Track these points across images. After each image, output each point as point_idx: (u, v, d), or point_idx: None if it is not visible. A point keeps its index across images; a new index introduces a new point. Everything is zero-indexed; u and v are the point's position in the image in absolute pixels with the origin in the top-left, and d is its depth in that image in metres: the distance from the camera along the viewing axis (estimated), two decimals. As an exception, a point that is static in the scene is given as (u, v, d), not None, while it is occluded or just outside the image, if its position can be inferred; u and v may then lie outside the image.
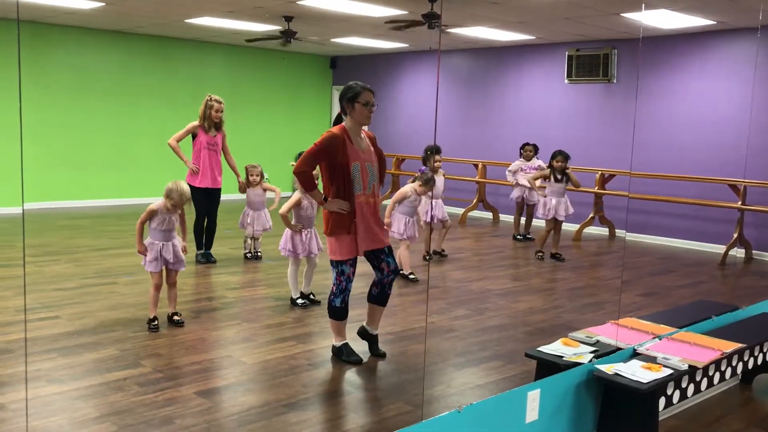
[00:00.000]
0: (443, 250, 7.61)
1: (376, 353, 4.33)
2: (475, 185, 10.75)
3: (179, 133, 6.76)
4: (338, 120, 4.17)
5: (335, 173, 4.00)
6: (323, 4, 7.73)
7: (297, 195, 5.33)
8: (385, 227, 6.07)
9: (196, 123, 6.73)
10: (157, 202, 4.68)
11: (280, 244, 5.45)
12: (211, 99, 6.72)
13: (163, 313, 4.92)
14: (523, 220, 9.03)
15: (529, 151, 8.95)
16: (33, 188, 10.21)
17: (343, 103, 4.07)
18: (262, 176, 7.06)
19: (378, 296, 4.26)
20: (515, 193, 8.94)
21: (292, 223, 5.35)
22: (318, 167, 4.12)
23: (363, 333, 4.40)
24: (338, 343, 4.26)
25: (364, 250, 4.07)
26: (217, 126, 6.78)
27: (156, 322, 4.70)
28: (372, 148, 4.16)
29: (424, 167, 7.23)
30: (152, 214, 4.64)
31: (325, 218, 4.11)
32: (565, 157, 7.61)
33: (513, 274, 7.08)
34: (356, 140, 4.05)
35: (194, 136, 6.75)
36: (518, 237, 8.94)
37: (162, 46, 11.48)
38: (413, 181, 6.53)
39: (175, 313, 4.84)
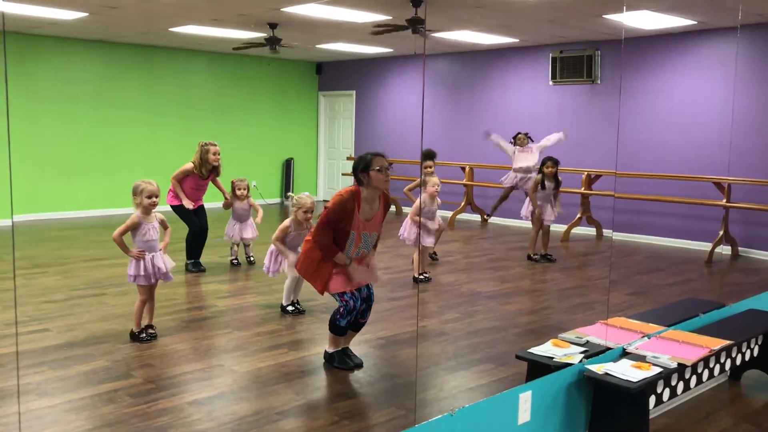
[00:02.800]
0: (435, 254, 7.63)
1: (354, 363, 4.25)
2: (463, 188, 10.79)
3: (177, 173, 6.71)
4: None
5: (330, 227, 4.02)
6: (307, 11, 7.75)
7: (286, 223, 5.37)
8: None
9: (190, 167, 6.68)
10: (136, 213, 4.63)
11: (274, 264, 5.50)
12: (205, 144, 6.65)
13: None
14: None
15: (521, 139, 9.04)
16: (20, 200, 10.14)
17: (358, 176, 4.02)
18: (248, 190, 7.08)
19: (353, 324, 4.25)
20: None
21: (282, 248, 5.40)
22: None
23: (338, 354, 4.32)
24: (331, 350, 4.28)
25: (351, 288, 4.10)
26: (215, 170, 6.77)
27: (144, 335, 4.68)
28: (381, 216, 4.15)
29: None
30: (135, 226, 4.59)
31: (311, 264, 4.12)
32: (555, 163, 7.67)
33: (502, 276, 7.11)
34: (366, 208, 4.03)
35: (186, 176, 6.72)
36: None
37: (147, 54, 11.45)
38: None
39: (150, 326, 4.77)
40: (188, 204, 6.68)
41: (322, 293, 4.18)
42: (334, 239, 4.01)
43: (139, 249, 4.61)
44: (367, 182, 4.00)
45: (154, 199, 4.63)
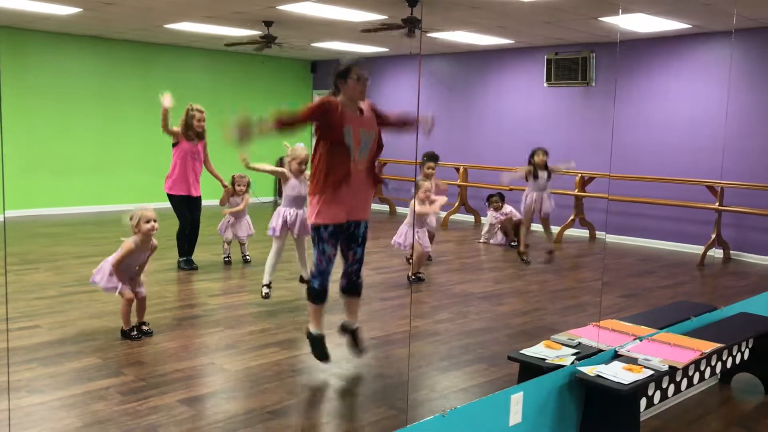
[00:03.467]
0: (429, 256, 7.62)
1: (353, 347, 4.19)
2: (457, 188, 10.80)
3: (173, 130, 6.63)
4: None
5: (326, 134, 3.86)
6: (303, 9, 7.74)
7: (282, 169, 5.37)
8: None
9: (177, 130, 6.68)
10: (132, 239, 4.59)
11: (270, 224, 5.51)
12: (192, 108, 6.66)
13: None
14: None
15: (495, 202, 9.07)
16: (12, 195, 10.09)
17: (335, 83, 3.91)
18: (248, 187, 7.07)
19: (347, 287, 4.17)
20: (499, 237, 8.96)
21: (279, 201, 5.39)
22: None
23: (343, 327, 4.26)
24: (314, 331, 4.12)
25: (334, 219, 3.89)
26: (200, 135, 6.75)
27: (135, 332, 4.66)
28: (371, 116, 3.99)
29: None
30: (130, 254, 4.56)
31: (311, 179, 3.98)
32: (545, 152, 7.62)
33: (495, 277, 7.12)
34: (349, 108, 3.89)
35: (175, 143, 6.71)
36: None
37: (142, 51, 11.42)
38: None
39: (143, 323, 4.76)
40: (168, 102, 6.52)
41: (312, 221, 3.96)
42: (332, 154, 3.83)
43: (123, 271, 4.61)
44: (343, 89, 3.88)
45: (153, 223, 4.58)
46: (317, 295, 4.07)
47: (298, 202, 5.52)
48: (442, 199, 6.77)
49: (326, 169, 3.86)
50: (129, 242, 4.58)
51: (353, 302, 4.26)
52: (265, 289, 5.49)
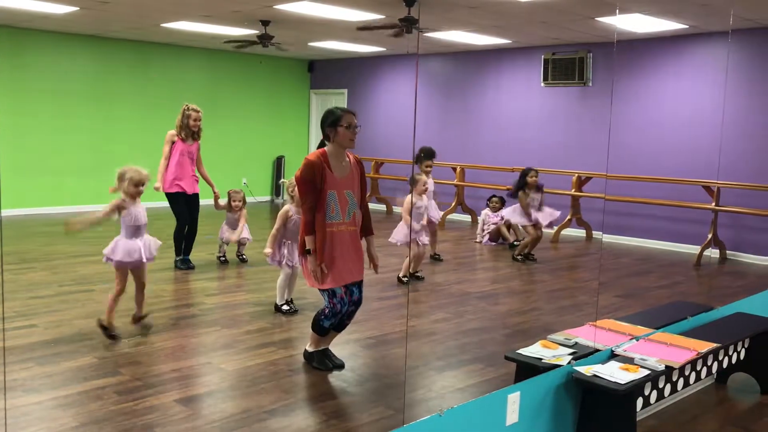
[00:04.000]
0: (438, 254, 7.62)
1: (334, 364, 4.19)
2: (454, 188, 10.80)
3: (165, 150, 6.66)
4: (321, 146, 4.09)
5: (309, 200, 3.92)
6: (300, 9, 7.74)
7: (285, 208, 5.32)
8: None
9: (173, 132, 6.68)
10: (117, 199, 4.59)
11: (271, 258, 5.41)
12: (188, 108, 6.67)
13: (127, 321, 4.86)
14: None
15: (495, 203, 9.12)
16: (8, 194, 10.06)
17: (325, 129, 3.97)
18: (243, 202, 7.06)
19: (337, 324, 4.18)
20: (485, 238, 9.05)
21: (279, 236, 5.32)
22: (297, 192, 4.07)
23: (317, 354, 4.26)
24: (311, 349, 4.23)
25: (341, 283, 3.97)
26: (195, 135, 6.75)
27: (111, 332, 4.59)
28: (356, 174, 4.05)
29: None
30: (120, 207, 4.53)
31: (299, 244, 4.04)
32: (536, 172, 7.75)
33: (492, 277, 7.13)
34: (337, 166, 3.95)
35: (173, 144, 6.70)
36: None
37: (139, 50, 11.40)
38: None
39: (143, 316, 4.75)
40: (159, 184, 6.59)
41: (312, 285, 4.06)
42: (320, 222, 3.87)
43: (126, 233, 4.57)
44: (333, 137, 3.94)
45: (140, 187, 4.59)
46: (325, 331, 4.15)
47: (294, 235, 5.38)
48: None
49: (320, 240, 3.89)
50: (117, 199, 4.57)
51: (333, 334, 4.28)
52: (285, 307, 5.37)
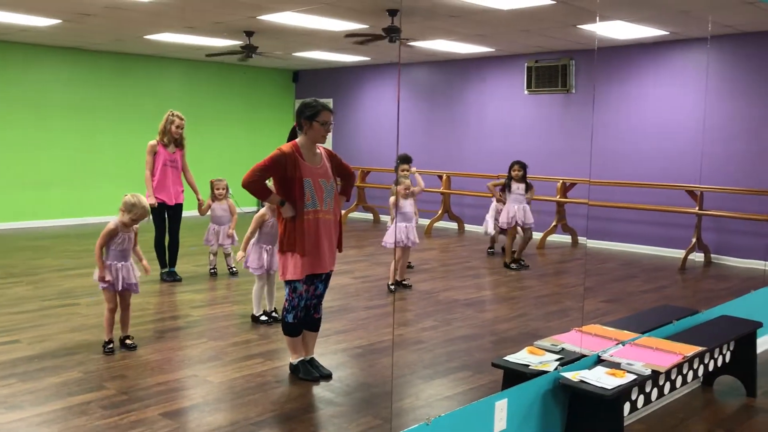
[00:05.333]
0: (410, 263, 7.61)
1: (321, 374, 4.17)
2: (440, 196, 10.82)
3: (147, 160, 6.64)
4: (293, 134, 4.13)
5: (286, 189, 3.95)
6: (284, 20, 7.74)
7: (261, 211, 5.32)
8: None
9: (153, 142, 6.65)
10: (113, 220, 4.59)
11: (245, 262, 5.40)
12: (172, 114, 6.66)
13: (117, 335, 4.82)
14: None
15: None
16: (-10, 209, 10.00)
17: (300, 120, 4.00)
18: (227, 190, 7.02)
19: (305, 321, 4.18)
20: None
21: (254, 241, 5.31)
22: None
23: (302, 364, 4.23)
24: (295, 361, 4.22)
25: (306, 273, 3.98)
26: (177, 142, 6.71)
27: (111, 345, 4.61)
28: (329, 165, 4.10)
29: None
30: (113, 235, 4.55)
31: (279, 236, 4.07)
32: (523, 166, 7.76)
33: (479, 284, 7.13)
34: (309, 157, 4.00)
35: (155, 153, 6.67)
36: (491, 250, 8.54)
37: (121, 62, 11.36)
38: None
39: (127, 337, 4.72)
40: (153, 200, 6.58)
41: (281, 278, 4.09)
42: (292, 196, 3.93)
43: (111, 258, 4.56)
44: (307, 129, 3.98)
45: (134, 224, 4.62)
46: (293, 328, 4.14)
47: (272, 239, 5.38)
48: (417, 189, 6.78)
49: (297, 228, 3.93)
50: (110, 224, 4.56)
51: (309, 336, 4.25)
52: (262, 317, 5.34)
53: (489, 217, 8.49)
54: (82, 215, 10.84)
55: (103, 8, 7.36)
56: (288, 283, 4.05)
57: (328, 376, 4.18)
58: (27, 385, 3.97)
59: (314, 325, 4.24)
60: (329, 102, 13.07)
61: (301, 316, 4.13)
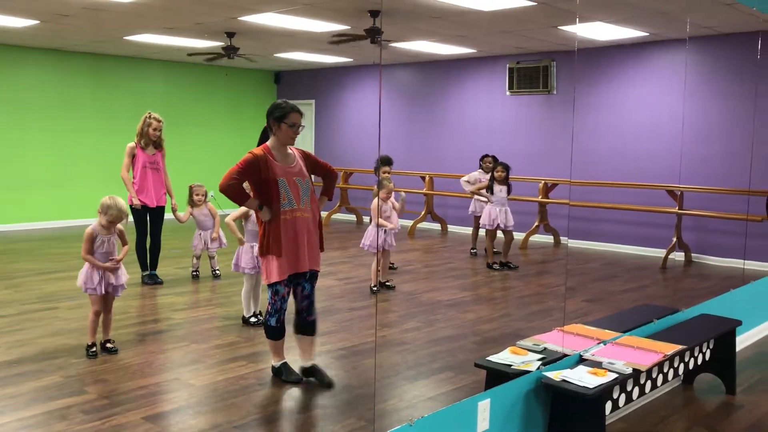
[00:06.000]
0: (393, 264, 7.61)
1: (322, 383, 4.09)
2: (423, 197, 10.84)
3: (125, 161, 6.59)
4: (264, 136, 4.11)
5: (262, 191, 3.93)
6: (265, 20, 7.72)
7: (244, 209, 5.30)
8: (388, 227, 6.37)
9: (132, 144, 6.60)
10: (92, 224, 4.55)
11: (235, 263, 5.38)
12: (150, 116, 6.59)
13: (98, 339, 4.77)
14: (481, 232, 8.90)
15: (488, 162, 8.54)
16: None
17: (269, 121, 3.99)
18: (206, 196, 6.98)
19: (299, 325, 4.15)
20: (473, 207, 8.63)
21: (240, 236, 5.32)
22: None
23: (303, 371, 4.18)
24: (277, 363, 4.19)
25: (287, 273, 3.96)
26: (156, 144, 6.66)
27: (95, 349, 4.56)
28: (303, 164, 4.07)
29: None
30: (92, 239, 4.51)
31: (259, 239, 4.05)
32: (505, 167, 7.80)
33: (462, 285, 7.15)
34: (281, 157, 3.98)
35: (134, 156, 6.62)
36: (474, 251, 8.79)
37: (100, 63, 11.26)
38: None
39: (108, 340, 4.67)
40: (136, 201, 6.54)
41: (264, 282, 4.07)
42: (269, 198, 3.91)
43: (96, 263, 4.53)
44: (276, 131, 3.97)
45: (112, 226, 4.57)
46: (275, 332, 4.12)
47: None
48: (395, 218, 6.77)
49: (275, 229, 3.91)
50: (88, 228, 4.52)
51: (306, 341, 4.18)
52: (252, 319, 5.32)
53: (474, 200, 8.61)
54: (62, 218, 10.73)
55: (81, 9, 7.30)
56: (270, 286, 4.02)
57: (329, 385, 4.05)
58: (7, 390, 3.93)
59: (310, 329, 4.16)
60: (311, 103, 13.06)
61: (283, 320, 4.11)
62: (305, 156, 4.16)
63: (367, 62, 11.76)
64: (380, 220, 6.39)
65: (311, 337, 4.19)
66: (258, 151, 3.96)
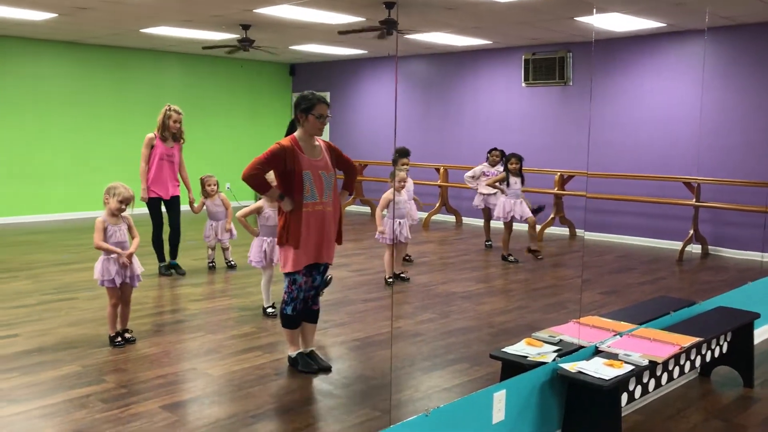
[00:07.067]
0: (408, 256, 7.60)
1: (320, 367, 4.18)
2: (438, 189, 10.83)
3: (143, 152, 6.60)
4: (291, 127, 4.14)
5: (286, 182, 3.97)
6: (280, 12, 7.73)
7: (259, 203, 5.32)
8: (381, 233, 6.29)
9: (151, 135, 6.63)
10: (101, 215, 4.58)
11: (249, 256, 5.41)
12: (170, 109, 6.60)
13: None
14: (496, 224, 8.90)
15: (495, 156, 8.60)
16: (-13, 204, 9.99)
17: (297, 113, 4.03)
18: (217, 186, 7.01)
19: (303, 313, 4.19)
20: (477, 201, 8.71)
21: (253, 229, 5.35)
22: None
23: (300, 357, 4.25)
24: (293, 353, 4.24)
25: (304, 264, 4.00)
26: (175, 137, 6.68)
27: (119, 339, 4.62)
28: (328, 157, 4.11)
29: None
30: (103, 228, 4.53)
31: (278, 229, 4.09)
32: (519, 159, 7.77)
33: (477, 277, 7.15)
34: (308, 149, 4.01)
35: (152, 147, 6.64)
36: (489, 243, 8.71)
37: (118, 56, 11.34)
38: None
39: (126, 330, 4.71)
40: (144, 195, 6.57)
41: (282, 270, 4.09)
42: (291, 189, 3.95)
43: (107, 253, 4.54)
44: (303, 122, 4.01)
45: (123, 206, 4.57)
46: (291, 320, 4.16)
47: (272, 231, 5.37)
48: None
49: (296, 220, 3.94)
50: (98, 220, 4.54)
51: (308, 328, 4.26)
52: (270, 310, 5.37)
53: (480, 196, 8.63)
54: (80, 209, 10.84)
55: (99, 2, 7.34)
56: (288, 275, 4.06)
57: (327, 369, 4.19)
58: (27, 379, 3.98)
59: (313, 317, 4.26)
60: (326, 95, 13.06)
61: (300, 309, 4.15)
62: (331, 148, 4.18)
63: (381, 54, 11.75)
64: (379, 226, 6.38)
65: (313, 325, 4.28)
66: (285, 142, 3.99)
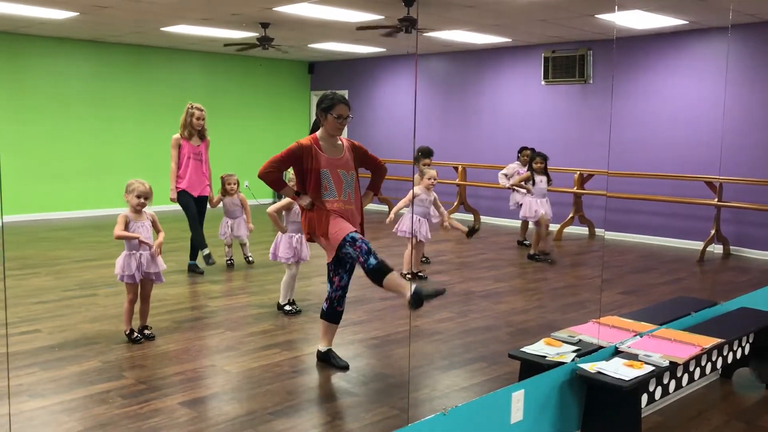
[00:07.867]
0: (425, 257, 7.58)
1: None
2: (456, 188, 10.80)
3: (172, 154, 6.57)
4: (315, 125, 4.18)
5: (305, 180, 4.01)
6: (300, 11, 7.74)
7: (288, 199, 5.32)
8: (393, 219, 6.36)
9: (176, 136, 6.63)
10: (124, 212, 4.60)
11: (272, 251, 5.41)
12: (192, 107, 6.61)
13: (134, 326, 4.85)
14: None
15: (526, 155, 8.50)
16: (11, 200, 10.10)
17: (317, 111, 4.08)
18: (237, 185, 7.04)
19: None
20: (512, 202, 8.55)
21: (281, 225, 5.35)
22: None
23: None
24: (323, 349, 4.27)
25: (347, 231, 3.96)
26: (200, 134, 6.69)
27: (135, 334, 4.66)
28: (350, 156, 4.12)
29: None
30: (126, 222, 4.54)
31: (302, 225, 4.13)
32: (544, 158, 7.74)
33: (495, 276, 7.12)
34: (328, 148, 4.04)
35: (179, 147, 6.66)
36: (526, 243, 8.58)
37: (139, 54, 11.43)
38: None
39: (146, 327, 4.75)
40: (173, 196, 6.58)
41: (327, 240, 3.99)
42: (310, 187, 3.98)
43: (129, 248, 4.58)
44: (323, 122, 4.05)
45: (142, 200, 4.58)
46: (326, 315, 4.20)
47: (299, 227, 5.37)
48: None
49: (320, 212, 3.98)
50: (121, 214, 4.58)
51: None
52: (287, 307, 5.39)
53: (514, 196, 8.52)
54: (101, 207, 10.94)
55: (119, 0, 7.40)
56: (341, 248, 3.93)
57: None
58: (48, 374, 4.03)
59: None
60: (345, 93, 13.07)
61: (324, 308, 4.19)
62: (354, 148, 4.19)
63: (400, 52, 11.73)
64: (391, 216, 6.43)
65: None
66: (305, 141, 4.03)
